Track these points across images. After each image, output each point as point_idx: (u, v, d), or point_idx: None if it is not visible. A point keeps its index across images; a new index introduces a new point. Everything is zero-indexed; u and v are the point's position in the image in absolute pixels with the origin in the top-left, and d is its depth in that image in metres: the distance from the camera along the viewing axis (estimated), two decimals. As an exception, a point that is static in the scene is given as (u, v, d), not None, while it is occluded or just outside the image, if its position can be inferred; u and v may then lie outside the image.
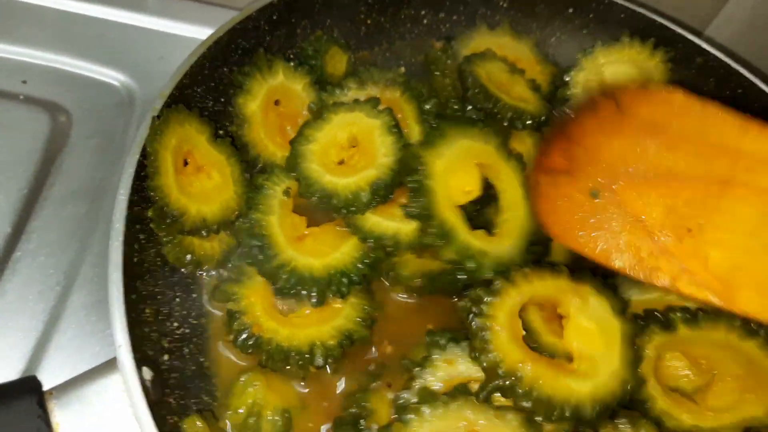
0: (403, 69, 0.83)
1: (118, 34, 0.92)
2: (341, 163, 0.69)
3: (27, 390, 0.46)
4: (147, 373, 0.49)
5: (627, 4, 0.85)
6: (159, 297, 0.60)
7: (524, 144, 0.78)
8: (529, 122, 0.77)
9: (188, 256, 0.64)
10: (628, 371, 0.56)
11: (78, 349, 0.70)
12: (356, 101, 0.70)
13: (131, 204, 0.56)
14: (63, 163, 0.81)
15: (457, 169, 0.67)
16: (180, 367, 0.58)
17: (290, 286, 0.61)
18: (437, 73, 0.82)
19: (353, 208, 0.64)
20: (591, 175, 0.59)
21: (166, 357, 0.57)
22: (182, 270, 0.66)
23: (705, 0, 0.95)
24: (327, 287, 0.62)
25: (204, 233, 0.63)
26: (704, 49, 0.84)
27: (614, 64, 0.86)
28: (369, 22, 0.85)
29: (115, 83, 0.88)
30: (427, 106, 0.75)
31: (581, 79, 0.86)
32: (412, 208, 0.63)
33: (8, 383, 0.47)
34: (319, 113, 0.69)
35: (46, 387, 0.50)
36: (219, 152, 0.67)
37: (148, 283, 0.59)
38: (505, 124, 0.76)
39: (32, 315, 0.71)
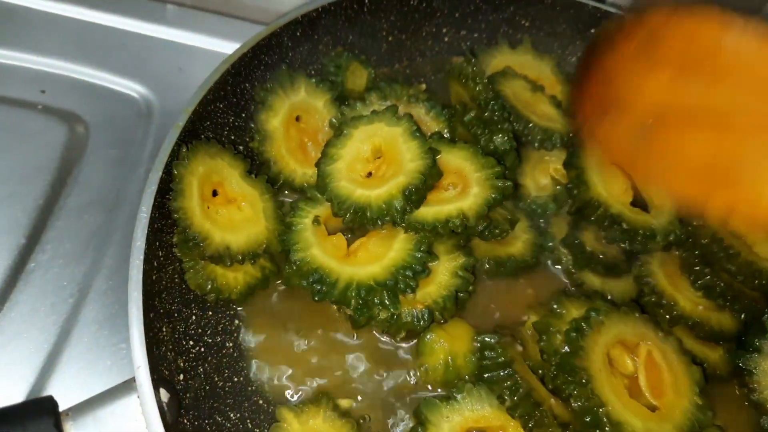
0: (424, 86, 0.82)
1: (138, 45, 0.91)
2: (369, 175, 0.68)
3: (44, 411, 0.45)
4: (164, 395, 0.48)
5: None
6: (176, 315, 0.59)
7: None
8: (558, 143, 0.76)
9: (209, 284, 0.63)
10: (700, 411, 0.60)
11: (90, 363, 0.70)
12: (374, 112, 0.70)
13: (152, 221, 0.55)
14: (80, 173, 0.80)
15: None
16: (195, 387, 0.57)
17: (362, 302, 0.61)
18: (464, 81, 0.76)
19: (388, 218, 0.63)
20: (632, 116, 0.54)
21: (181, 377, 0.56)
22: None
23: None
24: (395, 287, 0.61)
25: (228, 262, 0.62)
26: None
27: None
28: (390, 39, 0.85)
29: (134, 94, 0.88)
30: (467, 118, 0.74)
31: None
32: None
33: (25, 403, 0.46)
34: (339, 129, 0.69)
35: (60, 403, 0.49)
36: (252, 188, 0.67)
37: (165, 301, 0.58)
38: (536, 145, 0.75)
39: (44, 327, 0.70)
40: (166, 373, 0.53)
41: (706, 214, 0.57)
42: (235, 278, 0.65)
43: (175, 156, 0.61)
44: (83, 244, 0.76)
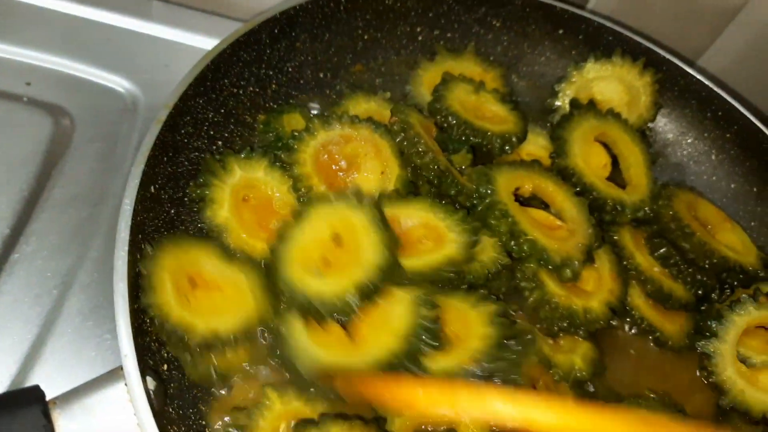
0: (388, 94, 0.80)
1: (124, 40, 0.90)
2: (324, 261, 0.62)
3: (31, 400, 0.45)
4: (150, 382, 0.48)
5: (617, 27, 0.86)
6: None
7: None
8: (515, 142, 0.79)
9: (213, 372, 0.58)
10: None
11: (74, 354, 0.69)
12: (335, 194, 0.64)
13: (135, 213, 0.55)
14: (65, 166, 0.79)
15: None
16: (178, 377, 0.57)
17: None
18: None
19: (341, 314, 0.57)
20: None
21: (165, 367, 0.56)
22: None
23: (700, 31, 0.96)
24: (416, 350, 0.56)
25: (220, 348, 0.57)
26: (687, 72, 0.86)
27: (604, 80, 0.87)
28: (366, 37, 0.85)
29: (120, 89, 0.87)
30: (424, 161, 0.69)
31: (570, 92, 0.86)
32: None
33: (12, 392, 0.46)
34: (297, 212, 0.64)
35: (47, 394, 0.49)
36: (235, 269, 0.62)
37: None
38: (497, 152, 0.77)
39: (28, 318, 0.69)
40: (151, 362, 0.53)
41: None
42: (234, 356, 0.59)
43: (147, 187, 0.58)
44: (68, 236, 0.75)
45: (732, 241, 0.80)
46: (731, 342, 0.69)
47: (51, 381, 0.67)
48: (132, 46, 0.90)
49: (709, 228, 0.81)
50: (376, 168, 0.69)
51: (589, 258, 0.69)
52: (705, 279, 0.74)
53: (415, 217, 0.65)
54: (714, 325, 0.70)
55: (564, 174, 0.75)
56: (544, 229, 0.69)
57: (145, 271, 0.55)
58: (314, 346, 0.57)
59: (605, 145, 0.82)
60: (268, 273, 0.61)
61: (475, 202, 0.68)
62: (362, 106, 0.78)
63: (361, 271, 0.58)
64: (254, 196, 0.68)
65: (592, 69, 0.87)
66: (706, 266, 0.75)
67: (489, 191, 0.68)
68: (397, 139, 0.69)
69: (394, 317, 0.58)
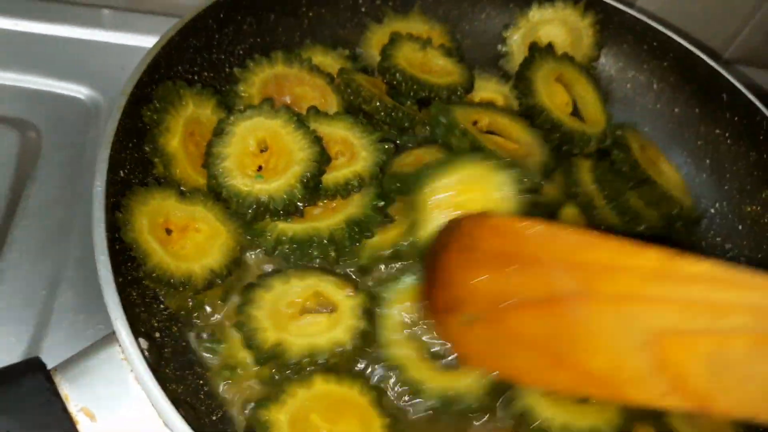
0: (347, 52, 0.85)
1: (79, 49, 0.93)
2: (260, 169, 0.68)
3: (33, 368, 0.48)
4: (143, 342, 0.51)
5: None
6: (143, 281, 0.62)
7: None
8: (462, 92, 0.83)
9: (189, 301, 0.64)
10: None
11: (71, 348, 0.67)
12: (251, 107, 0.69)
13: (107, 195, 0.58)
14: (37, 176, 0.82)
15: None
16: (171, 342, 0.61)
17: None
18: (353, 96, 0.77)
19: (291, 207, 0.65)
20: (467, 309, 0.58)
21: (157, 334, 0.60)
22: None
23: None
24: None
25: (219, 282, 0.63)
26: (620, 9, 0.91)
27: (548, 24, 0.92)
28: (311, 14, 0.88)
29: (80, 96, 0.90)
30: (371, 107, 0.75)
31: (518, 37, 0.91)
32: None
33: (13, 365, 0.49)
34: (220, 128, 0.68)
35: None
36: (194, 205, 0.65)
37: (132, 269, 0.61)
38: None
39: (21, 321, 0.72)
40: (142, 329, 0.56)
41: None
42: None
43: (115, 171, 0.61)
44: (48, 239, 0.78)
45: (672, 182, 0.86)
46: None
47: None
48: (87, 54, 0.93)
49: (654, 167, 0.86)
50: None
51: (546, 175, 0.75)
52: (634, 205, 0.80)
53: (335, 134, 0.71)
54: None
55: (532, 112, 0.81)
56: (502, 149, 0.74)
57: (129, 240, 0.59)
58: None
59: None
60: (210, 189, 0.66)
61: (435, 128, 0.73)
62: (318, 58, 0.82)
63: (298, 166, 0.66)
64: (199, 132, 0.71)
65: (537, 13, 0.92)
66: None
67: (448, 120, 0.73)
68: (344, 96, 0.76)
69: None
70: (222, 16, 0.77)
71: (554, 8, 0.91)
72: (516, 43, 0.91)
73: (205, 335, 0.65)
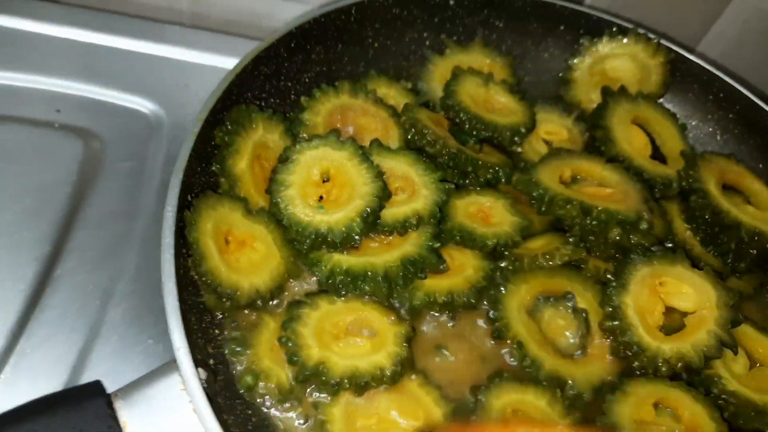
0: (410, 84, 0.86)
1: (144, 64, 0.95)
2: (321, 200, 0.68)
3: (95, 392, 0.49)
4: (202, 373, 0.51)
5: (616, 20, 0.89)
6: (201, 306, 0.63)
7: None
8: (524, 132, 0.82)
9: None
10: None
11: (120, 360, 0.72)
12: (317, 136, 0.70)
13: (177, 220, 0.59)
14: (98, 186, 0.83)
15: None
16: (224, 370, 0.61)
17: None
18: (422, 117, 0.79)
19: (349, 241, 0.65)
20: None
21: (211, 362, 0.60)
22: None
23: (695, 18, 0.99)
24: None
25: (260, 303, 0.64)
26: (687, 58, 0.89)
27: (616, 57, 0.91)
28: (376, 45, 0.89)
29: (144, 110, 0.91)
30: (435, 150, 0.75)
31: (584, 66, 0.91)
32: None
33: (77, 387, 0.50)
34: (285, 156, 0.69)
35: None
36: (257, 223, 0.67)
37: (192, 293, 0.62)
38: (507, 144, 0.82)
39: (74, 329, 0.73)
40: (200, 357, 0.57)
41: None
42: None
43: (184, 195, 0.62)
44: (106, 251, 0.79)
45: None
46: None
47: (99, 387, 0.71)
48: (152, 68, 0.95)
49: (745, 196, 0.83)
50: None
51: (654, 206, 0.75)
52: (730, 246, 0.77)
53: (396, 169, 0.71)
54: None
55: (615, 160, 0.80)
56: (604, 198, 0.73)
57: (192, 239, 0.60)
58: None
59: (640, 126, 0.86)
60: (271, 213, 0.67)
61: (534, 203, 0.73)
62: (383, 90, 0.82)
63: (360, 200, 0.66)
64: (265, 156, 0.73)
65: (606, 45, 0.91)
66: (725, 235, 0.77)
67: (541, 191, 0.72)
68: (408, 136, 0.76)
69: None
70: (293, 45, 0.78)
71: (625, 41, 0.90)
72: (581, 72, 0.91)
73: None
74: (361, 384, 0.60)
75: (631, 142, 0.83)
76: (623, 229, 0.71)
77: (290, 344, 0.61)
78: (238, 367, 0.62)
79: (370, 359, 0.61)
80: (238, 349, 0.62)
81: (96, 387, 0.49)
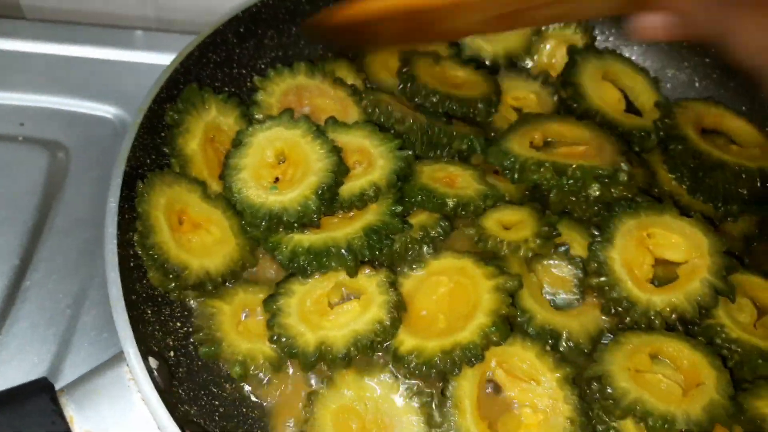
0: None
1: (106, 70, 0.94)
2: (276, 181, 0.66)
3: (40, 389, 0.47)
4: (153, 362, 0.49)
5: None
6: (159, 299, 0.61)
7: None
8: (496, 100, 0.79)
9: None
10: None
11: (92, 366, 0.69)
12: (270, 117, 0.68)
13: (121, 210, 0.57)
14: (65, 195, 0.82)
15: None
16: (187, 362, 0.59)
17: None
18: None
19: (306, 219, 0.62)
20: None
21: (171, 353, 0.58)
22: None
23: None
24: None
25: (210, 286, 0.61)
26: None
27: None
28: (333, 26, 0.87)
29: (109, 116, 0.90)
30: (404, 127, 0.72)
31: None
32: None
33: (21, 385, 0.47)
34: (238, 139, 0.67)
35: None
36: (214, 207, 0.65)
37: (146, 287, 0.60)
38: (483, 117, 0.78)
39: (45, 339, 0.72)
40: (155, 348, 0.55)
41: None
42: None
43: (132, 186, 0.61)
44: (74, 259, 0.78)
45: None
46: None
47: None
48: (115, 74, 0.94)
49: (728, 137, 0.80)
50: None
51: (633, 156, 0.72)
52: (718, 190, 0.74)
53: (353, 143, 0.69)
54: None
55: (587, 115, 0.77)
56: (578, 156, 0.71)
57: (141, 211, 0.59)
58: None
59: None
60: (225, 197, 0.65)
61: (507, 173, 0.70)
62: (343, 72, 0.80)
63: (314, 177, 0.63)
64: (219, 139, 0.71)
65: None
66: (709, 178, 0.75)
67: (512, 159, 0.69)
68: (374, 117, 0.72)
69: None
70: (242, 30, 0.76)
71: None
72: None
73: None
74: (367, 345, 0.58)
75: (603, 97, 0.80)
76: (602, 184, 0.68)
77: (283, 339, 0.59)
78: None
79: (365, 318, 0.59)
80: (211, 349, 0.60)
81: (41, 383, 0.47)
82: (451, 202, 0.66)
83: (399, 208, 0.65)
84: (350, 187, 0.65)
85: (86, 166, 0.85)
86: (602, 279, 0.64)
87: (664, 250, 0.67)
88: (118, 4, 1.02)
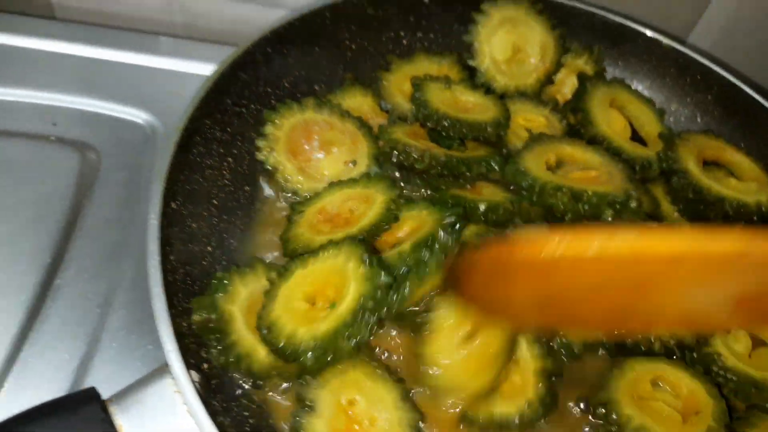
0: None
1: (138, 75, 0.96)
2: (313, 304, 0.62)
3: (89, 398, 0.50)
4: (194, 375, 0.52)
5: (603, 12, 0.90)
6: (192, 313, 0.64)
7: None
8: (505, 124, 0.81)
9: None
10: None
11: (121, 366, 0.73)
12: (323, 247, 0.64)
13: (162, 227, 0.60)
14: (95, 196, 0.84)
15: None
16: (218, 374, 0.61)
17: None
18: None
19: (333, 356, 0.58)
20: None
21: (205, 366, 0.60)
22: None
23: (684, 9, 1.00)
24: None
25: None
26: (661, 42, 0.89)
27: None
28: (354, 47, 0.89)
29: (139, 121, 0.92)
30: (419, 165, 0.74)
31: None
32: None
33: (71, 394, 0.51)
34: (281, 274, 0.64)
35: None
36: None
37: (182, 300, 0.62)
38: (493, 140, 0.81)
39: (75, 337, 0.74)
40: (192, 361, 0.57)
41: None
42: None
43: (168, 203, 0.62)
44: (104, 259, 0.80)
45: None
46: None
47: (102, 391, 0.72)
48: (146, 80, 0.96)
49: (728, 169, 0.83)
50: (344, 157, 0.76)
51: (639, 184, 0.75)
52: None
53: (339, 200, 0.71)
54: None
55: (594, 141, 0.80)
56: (590, 181, 0.74)
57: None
58: None
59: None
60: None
61: (525, 193, 0.72)
62: (358, 98, 0.83)
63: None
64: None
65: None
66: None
67: (531, 181, 0.72)
68: (393, 159, 0.75)
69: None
70: (269, 49, 0.79)
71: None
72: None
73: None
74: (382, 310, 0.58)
75: (611, 124, 0.84)
76: (615, 210, 0.71)
77: (291, 353, 0.58)
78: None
79: (352, 294, 0.58)
80: (231, 359, 0.61)
81: (91, 393, 0.51)
82: (482, 206, 0.69)
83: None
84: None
85: (116, 169, 0.88)
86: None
87: None
88: (146, 7, 1.04)
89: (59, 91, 0.93)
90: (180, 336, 0.55)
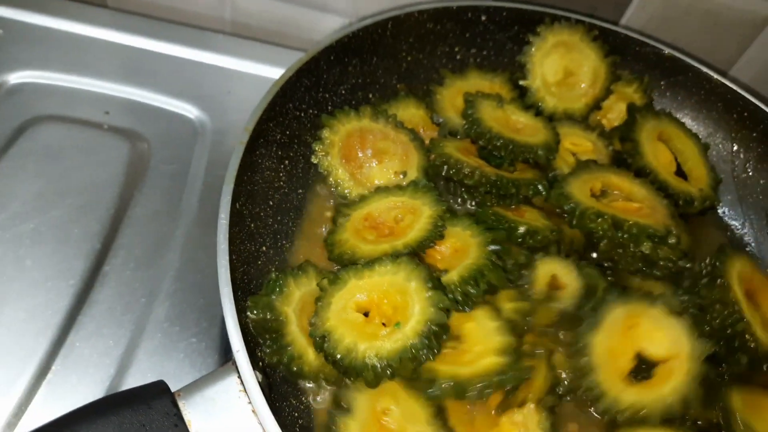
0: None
1: (190, 70, 0.97)
2: (366, 315, 0.62)
3: (160, 391, 0.51)
4: (258, 375, 0.53)
5: (649, 41, 0.90)
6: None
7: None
8: (555, 147, 0.83)
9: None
10: None
11: (164, 357, 0.74)
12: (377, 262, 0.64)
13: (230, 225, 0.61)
14: (144, 186, 0.85)
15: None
16: (272, 373, 0.62)
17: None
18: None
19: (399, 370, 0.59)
20: None
21: (260, 364, 0.62)
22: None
23: (729, 42, 1.00)
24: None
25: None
26: (710, 77, 0.90)
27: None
28: (409, 59, 0.90)
29: (189, 115, 0.93)
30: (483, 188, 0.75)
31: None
32: None
33: (143, 386, 0.51)
34: (332, 282, 0.63)
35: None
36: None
37: (240, 299, 0.63)
38: (543, 163, 0.82)
39: (120, 324, 0.74)
40: (252, 359, 0.58)
41: None
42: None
43: (234, 204, 0.63)
44: (151, 249, 0.80)
45: None
46: None
47: (146, 380, 0.72)
48: (197, 75, 0.96)
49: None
50: (395, 168, 0.77)
51: (680, 222, 0.76)
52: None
53: (385, 207, 0.72)
54: None
55: (641, 173, 0.81)
56: (633, 212, 0.75)
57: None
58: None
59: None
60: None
61: (566, 216, 0.74)
62: (411, 110, 0.83)
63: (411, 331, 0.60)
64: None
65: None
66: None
67: (573, 205, 0.73)
68: (443, 173, 0.75)
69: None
70: (332, 57, 0.80)
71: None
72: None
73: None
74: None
75: (658, 156, 0.84)
76: (653, 243, 0.72)
77: (360, 367, 0.58)
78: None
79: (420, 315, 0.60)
80: (285, 360, 0.61)
81: (161, 386, 0.51)
82: (522, 229, 0.70)
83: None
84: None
85: (165, 161, 0.88)
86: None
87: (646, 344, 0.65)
88: (197, 2, 1.05)
89: (113, 80, 0.93)
90: (245, 335, 0.56)
